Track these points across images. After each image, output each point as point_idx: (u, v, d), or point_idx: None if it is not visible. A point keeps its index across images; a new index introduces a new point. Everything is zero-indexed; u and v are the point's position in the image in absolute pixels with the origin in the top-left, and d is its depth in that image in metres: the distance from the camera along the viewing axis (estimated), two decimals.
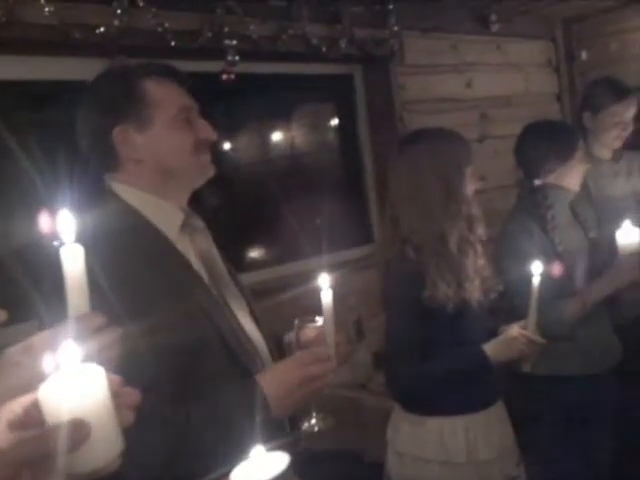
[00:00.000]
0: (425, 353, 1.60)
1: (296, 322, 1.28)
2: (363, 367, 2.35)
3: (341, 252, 3.09)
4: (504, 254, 1.97)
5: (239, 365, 1.15)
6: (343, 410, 2.12)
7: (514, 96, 3.79)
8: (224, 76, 2.55)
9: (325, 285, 1.20)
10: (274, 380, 1.11)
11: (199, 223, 1.28)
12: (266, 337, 1.30)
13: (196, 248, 1.24)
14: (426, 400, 1.65)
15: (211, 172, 1.28)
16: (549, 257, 1.87)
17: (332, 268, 3.07)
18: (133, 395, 0.66)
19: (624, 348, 2.08)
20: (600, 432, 1.93)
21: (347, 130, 3.31)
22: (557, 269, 1.52)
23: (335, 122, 3.35)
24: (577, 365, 1.94)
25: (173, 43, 2.34)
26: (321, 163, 3.36)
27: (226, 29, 2.48)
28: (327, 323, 1.19)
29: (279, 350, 1.35)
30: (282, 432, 1.18)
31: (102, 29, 2.19)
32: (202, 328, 1.12)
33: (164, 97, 1.21)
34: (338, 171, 3.40)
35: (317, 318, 1.22)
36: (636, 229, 1.80)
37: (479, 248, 1.65)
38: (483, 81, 3.63)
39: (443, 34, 3.40)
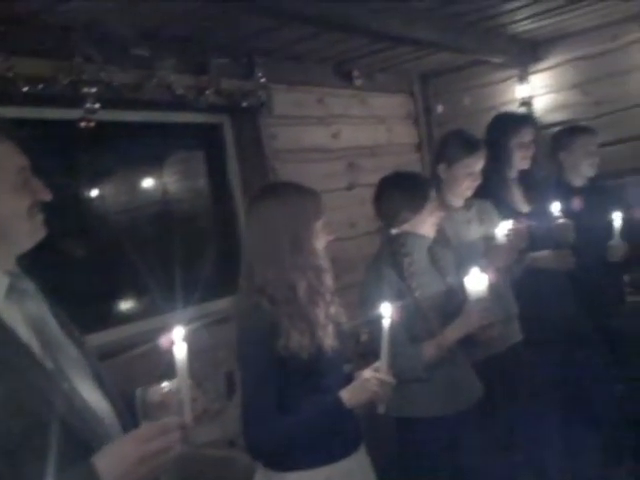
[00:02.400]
0: (281, 405, 1.59)
1: (138, 391, 1.22)
2: (233, 423, 2.28)
3: (213, 302, 3.04)
4: (363, 300, 2.03)
5: (78, 442, 1.08)
6: (212, 470, 2.04)
7: (378, 146, 3.99)
8: (83, 124, 2.46)
9: (178, 338, 1.15)
10: (111, 460, 1.04)
11: (28, 286, 1.21)
12: (114, 401, 1.23)
13: (25, 315, 1.16)
14: (284, 455, 1.64)
15: (42, 234, 1.23)
16: (406, 302, 1.96)
17: (203, 319, 3.00)
18: None
19: (486, 385, 2.19)
20: (462, 472, 2.00)
21: (219, 179, 3.31)
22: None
23: (206, 171, 3.34)
24: (436, 406, 2.01)
25: (25, 89, 2.23)
26: (193, 213, 3.32)
27: (85, 76, 2.41)
28: (181, 378, 1.15)
29: (132, 411, 1.28)
30: None
31: None
32: (32, 407, 1.04)
33: (2, 160, 1.14)
34: (211, 221, 3.37)
35: (163, 383, 1.17)
36: (483, 275, 1.92)
37: (329, 297, 1.70)
38: (349, 132, 3.80)
39: (309, 87, 3.54)
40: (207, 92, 2.87)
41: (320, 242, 1.71)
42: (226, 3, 2.29)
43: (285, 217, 1.67)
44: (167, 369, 1.17)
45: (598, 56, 3.74)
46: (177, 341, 1.15)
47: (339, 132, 3.73)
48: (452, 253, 2.34)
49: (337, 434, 1.66)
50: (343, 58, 3.55)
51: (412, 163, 4.11)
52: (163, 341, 1.13)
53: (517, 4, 3.09)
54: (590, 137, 3.01)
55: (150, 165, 3.13)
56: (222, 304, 2.96)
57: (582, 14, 3.41)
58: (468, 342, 2.04)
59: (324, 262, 1.72)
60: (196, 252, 3.17)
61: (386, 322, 1.62)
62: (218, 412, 2.30)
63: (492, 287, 1.96)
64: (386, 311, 1.63)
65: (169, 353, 1.14)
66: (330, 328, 1.69)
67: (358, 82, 3.69)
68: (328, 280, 1.73)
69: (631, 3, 3.21)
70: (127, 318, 2.81)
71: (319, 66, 3.57)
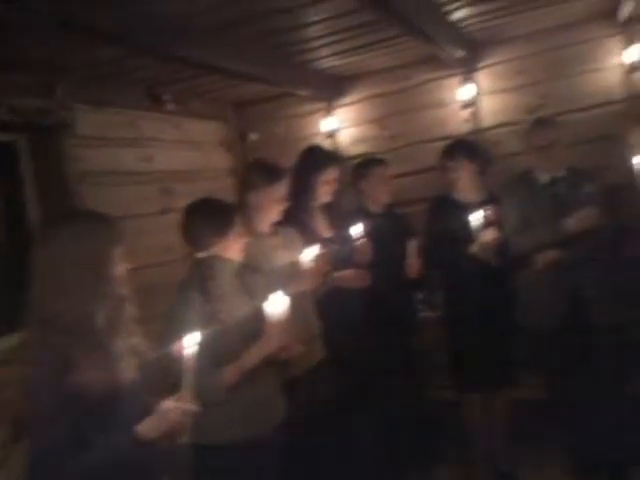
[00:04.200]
0: (75, 443, 1.51)
1: None
2: (20, 470, 2.09)
3: (4, 338, 2.78)
4: (169, 325, 2.01)
5: None
6: None
7: (194, 171, 3.99)
8: None
9: None
10: None
11: None
12: None
13: None
14: None
15: None
16: (211, 326, 1.98)
17: None
18: None
19: (290, 405, 2.26)
20: None
21: (12, 203, 3.05)
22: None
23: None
24: (234, 430, 2.04)
25: None
26: None
27: None
28: None
29: None
30: None
31: None
32: None
33: None
34: (3, 246, 3.08)
35: None
36: (282, 299, 2.01)
37: (131, 327, 1.67)
38: (163, 156, 3.75)
39: (119, 109, 3.44)
40: None
41: (119, 269, 1.67)
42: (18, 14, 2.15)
43: (79, 245, 1.62)
44: None
45: (394, 94, 4.13)
46: None
47: (152, 156, 3.67)
48: (262, 278, 2.40)
49: (136, 468, 1.61)
50: (154, 82, 3.51)
51: (227, 189, 4.15)
52: None
53: (321, 42, 3.32)
54: (385, 168, 3.29)
55: None
56: (9, 341, 2.71)
57: (379, 55, 3.74)
58: (271, 363, 2.11)
59: (124, 290, 1.68)
60: None
61: (189, 351, 1.63)
62: (2, 460, 2.11)
63: (293, 309, 2.04)
64: (190, 340, 1.64)
65: None
66: (131, 360, 1.65)
67: (170, 106, 3.67)
68: (130, 309, 1.69)
69: (421, 48, 3.59)
70: None
71: (130, 88, 3.49)
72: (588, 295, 2.85)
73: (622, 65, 3.63)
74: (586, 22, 3.66)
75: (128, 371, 1.63)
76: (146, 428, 1.58)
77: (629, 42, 3.58)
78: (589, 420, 2.89)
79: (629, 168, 2.67)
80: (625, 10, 3.32)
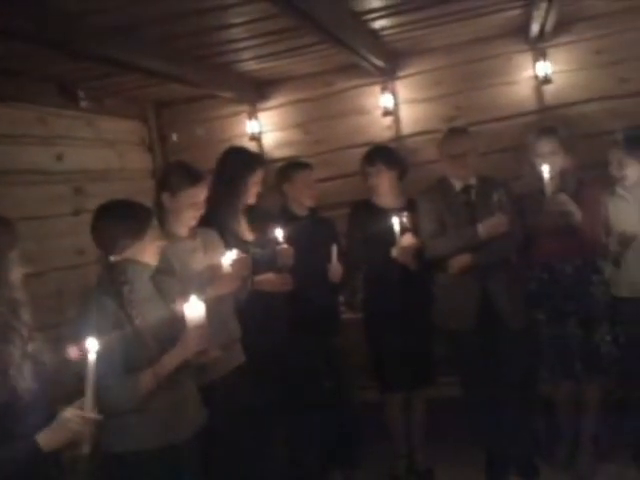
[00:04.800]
0: None
1: None
2: None
3: None
4: (76, 332, 1.92)
5: None
6: None
7: (110, 171, 3.85)
8: None
9: None
10: None
11: None
12: None
13: None
14: None
15: None
16: (125, 331, 1.92)
17: None
18: None
19: (209, 409, 2.22)
20: None
21: None
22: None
23: None
24: (153, 437, 1.97)
25: None
26: None
27: None
28: None
29: None
30: None
31: None
32: None
33: None
34: None
35: None
36: (201, 303, 1.97)
37: (27, 333, 1.60)
38: (76, 155, 3.60)
39: (27, 105, 3.27)
40: None
41: (15, 274, 1.60)
42: None
43: None
44: None
45: (317, 99, 4.16)
46: None
47: (63, 154, 3.51)
48: (177, 281, 2.35)
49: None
50: (67, 78, 3.37)
51: (146, 190, 4.02)
52: None
53: (243, 44, 3.29)
54: (310, 172, 3.30)
55: None
56: None
57: (301, 61, 3.76)
58: (188, 367, 2.06)
59: (20, 295, 1.61)
60: None
61: (91, 357, 1.58)
62: None
63: (211, 313, 2.00)
64: (92, 346, 1.58)
65: None
66: (27, 368, 1.58)
67: (84, 104, 3.53)
68: (25, 315, 1.63)
69: (341, 55, 3.62)
70: None
71: (41, 84, 3.33)
72: (500, 298, 2.96)
73: (533, 78, 3.82)
74: (500, 37, 3.83)
75: (25, 379, 1.56)
76: (46, 438, 1.53)
77: (540, 57, 3.77)
78: (500, 418, 3.00)
79: (538, 177, 2.81)
80: (536, 27, 3.49)
